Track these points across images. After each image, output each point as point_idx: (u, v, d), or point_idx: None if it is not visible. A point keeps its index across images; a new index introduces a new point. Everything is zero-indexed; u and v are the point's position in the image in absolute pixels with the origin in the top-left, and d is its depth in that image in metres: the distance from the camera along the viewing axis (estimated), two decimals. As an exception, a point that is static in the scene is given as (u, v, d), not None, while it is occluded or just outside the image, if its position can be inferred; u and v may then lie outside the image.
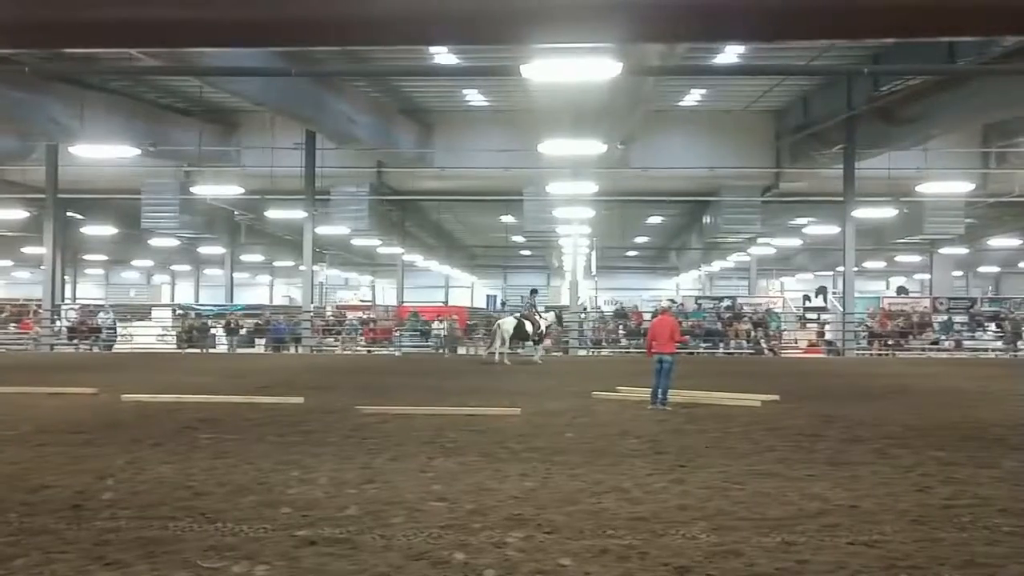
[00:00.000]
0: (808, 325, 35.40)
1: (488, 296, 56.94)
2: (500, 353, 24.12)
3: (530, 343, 25.13)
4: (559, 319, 28.51)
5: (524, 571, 5.29)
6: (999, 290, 56.06)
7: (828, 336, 33.90)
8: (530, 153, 27.27)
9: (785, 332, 33.62)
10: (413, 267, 54.24)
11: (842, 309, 32.08)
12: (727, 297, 37.16)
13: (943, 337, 32.79)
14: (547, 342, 26.32)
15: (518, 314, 25.80)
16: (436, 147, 32.74)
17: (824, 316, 36.07)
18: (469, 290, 66.15)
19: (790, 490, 7.48)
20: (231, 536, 5.96)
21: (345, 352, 32.38)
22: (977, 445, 10.06)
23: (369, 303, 49.71)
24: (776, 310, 35.76)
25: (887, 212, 33.11)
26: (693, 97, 30.55)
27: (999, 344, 32.70)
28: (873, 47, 24.40)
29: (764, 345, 32.04)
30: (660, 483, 7.78)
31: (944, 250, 42.52)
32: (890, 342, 32.47)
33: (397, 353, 31.82)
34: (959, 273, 53.53)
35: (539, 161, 27.88)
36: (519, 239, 49.85)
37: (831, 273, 53.34)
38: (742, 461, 8.90)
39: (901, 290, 45.32)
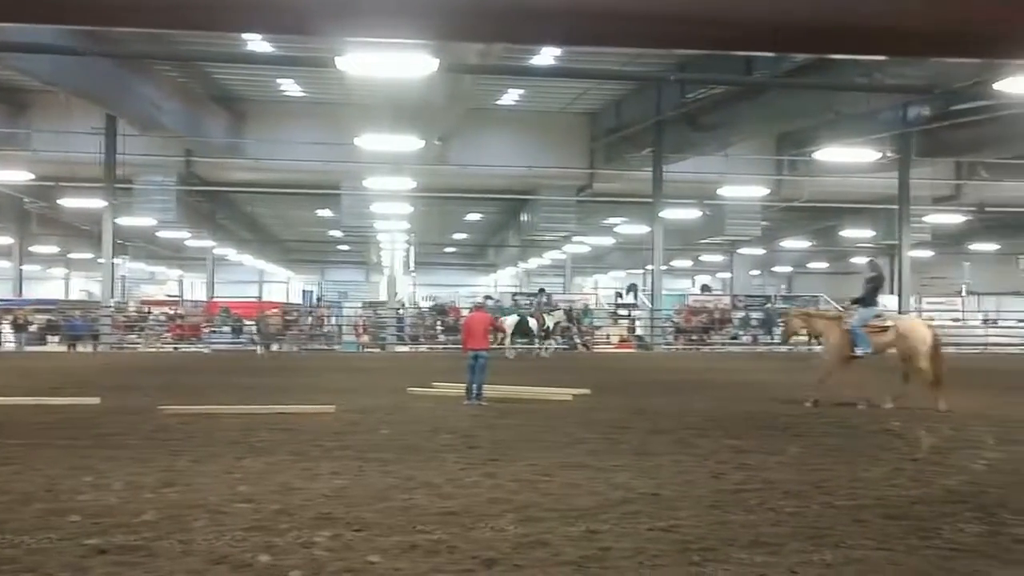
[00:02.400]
0: (620, 321, 36.79)
1: (305, 291, 55.60)
2: (505, 347, 25.27)
3: (537, 339, 26.08)
4: (569, 316, 29.41)
5: (331, 570, 5.18)
6: (791, 288, 60.23)
7: (638, 332, 35.35)
8: (348, 147, 26.93)
9: (598, 328, 34.75)
10: (225, 261, 52.24)
11: (651, 306, 33.55)
12: (544, 294, 37.99)
13: (741, 332, 34.93)
14: (551, 339, 27.10)
15: (523, 312, 27.12)
16: (249, 137, 31.68)
17: (634, 312, 37.61)
18: (285, 285, 64.35)
19: (597, 480, 7.72)
20: (11, 548, 5.50)
21: (149, 350, 30.77)
22: (767, 433, 10.75)
23: (176, 298, 47.44)
24: (590, 306, 36.95)
25: (692, 213, 34.95)
26: (511, 97, 31.07)
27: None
28: (680, 56, 25.63)
29: (578, 340, 33.02)
30: (472, 477, 7.84)
31: (743, 250, 45.34)
32: (694, 337, 34.27)
33: (206, 350, 30.56)
34: (756, 272, 57.20)
35: (357, 155, 27.54)
36: (337, 234, 49.07)
37: (642, 271, 55.67)
38: (553, 454, 9.10)
39: (705, 288, 47.81)
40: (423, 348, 32.67)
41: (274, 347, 31.10)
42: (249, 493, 7.09)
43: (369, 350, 31.78)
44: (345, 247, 57.85)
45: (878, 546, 5.69)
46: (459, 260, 66.01)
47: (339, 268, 63.35)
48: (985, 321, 39.21)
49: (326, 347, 32.27)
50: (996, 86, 17.29)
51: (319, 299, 44.97)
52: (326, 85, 28.56)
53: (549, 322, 26.35)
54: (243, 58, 25.97)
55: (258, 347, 30.77)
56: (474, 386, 13.35)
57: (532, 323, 25.56)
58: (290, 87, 30.17)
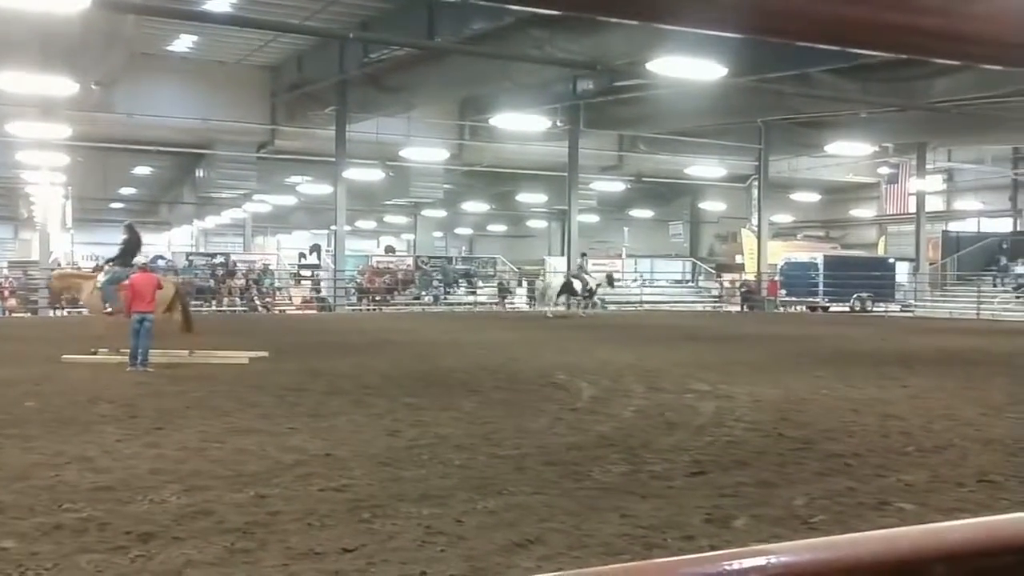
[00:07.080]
0: (303, 282, 36.13)
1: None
2: (550, 307, 27.09)
3: (581, 298, 28.30)
4: (610, 280, 31.49)
5: (-47, 564, 4.58)
6: (472, 250, 62.52)
7: (321, 293, 34.95)
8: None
9: (280, 289, 33.90)
10: None
11: (334, 266, 33.30)
12: (221, 254, 36.37)
13: (424, 293, 35.72)
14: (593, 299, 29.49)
15: (568, 273, 29.42)
16: None
17: (318, 273, 37.12)
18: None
19: (269, 444, 7.51)
20: None
21: None
22: (443, 390, 11.05)
23: None
24: (271, 267, 35.91)
25: (376, 174, 35.04)
26: (184, 43, 29.13)
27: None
28: (363, 14, 25.38)
29: (258, 302, 32.03)
30: (131, 448, 7.31)
31: (426, 212, 46.25)
32: (377, 298, 34.52)
33: None
34: (439, 234, 58.68)
35: None
36: (-23, 185, 43.47)
37: (326, 231, 54.94)
38: (224, 419, 8.74)
39: (389, 249, 48.21)
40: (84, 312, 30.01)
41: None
42: None
43: (17, 315, 28.64)
44: (-10, 200, 51.45)
45: (536, 491, 6.05)
46: (127, 217, 61.20)
47: (-17, 223, 56.33)
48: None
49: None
50: (648, 66, 18.84)
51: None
52: (-40, 14, 24.93)
53: (592, 283, 28.48)
54: None
55: None
56: (139, 351, 12.48)
57: (577, 284, 27.80)
58: (-87, 13, 26.00)
